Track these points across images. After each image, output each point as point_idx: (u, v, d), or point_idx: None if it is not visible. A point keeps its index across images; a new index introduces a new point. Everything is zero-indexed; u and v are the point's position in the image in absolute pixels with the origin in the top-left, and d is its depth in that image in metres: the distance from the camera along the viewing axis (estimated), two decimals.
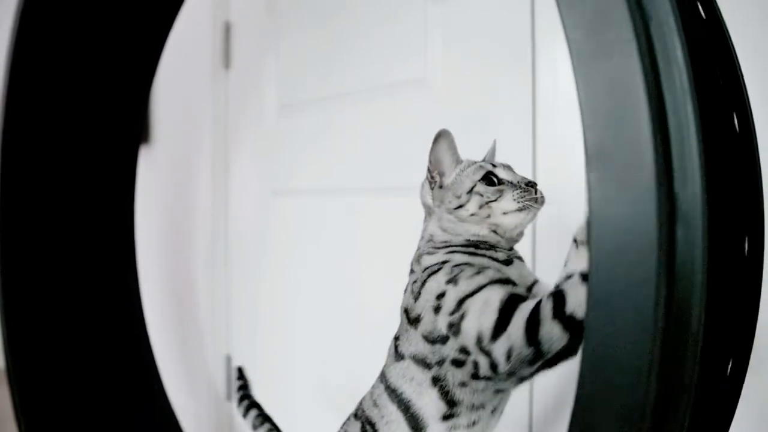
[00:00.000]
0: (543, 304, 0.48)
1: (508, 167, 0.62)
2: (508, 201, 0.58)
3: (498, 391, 0.56)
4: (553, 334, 0.47)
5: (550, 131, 0.90)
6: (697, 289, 0.36)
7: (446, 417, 0.56)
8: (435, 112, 1.05)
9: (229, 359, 1.53)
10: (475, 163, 0.62)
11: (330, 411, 1.20)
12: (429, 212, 0.64)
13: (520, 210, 0.58)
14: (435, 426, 0.56)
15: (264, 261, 1.45)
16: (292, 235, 1.36)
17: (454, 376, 0.55)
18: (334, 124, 1.25)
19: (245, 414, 0.82)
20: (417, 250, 0.63)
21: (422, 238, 0.64)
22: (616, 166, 0.36)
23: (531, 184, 0.59)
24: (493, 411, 0.58)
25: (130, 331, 1.21)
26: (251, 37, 1.47)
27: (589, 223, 0.38)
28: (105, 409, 1.12)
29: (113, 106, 1.16)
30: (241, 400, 0.83)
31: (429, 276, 0.57)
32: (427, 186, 0.64)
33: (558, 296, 0.48)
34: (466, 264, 0.56)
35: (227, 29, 1.51)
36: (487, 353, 0.51)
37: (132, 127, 1.23)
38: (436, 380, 0.56)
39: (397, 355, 0.59)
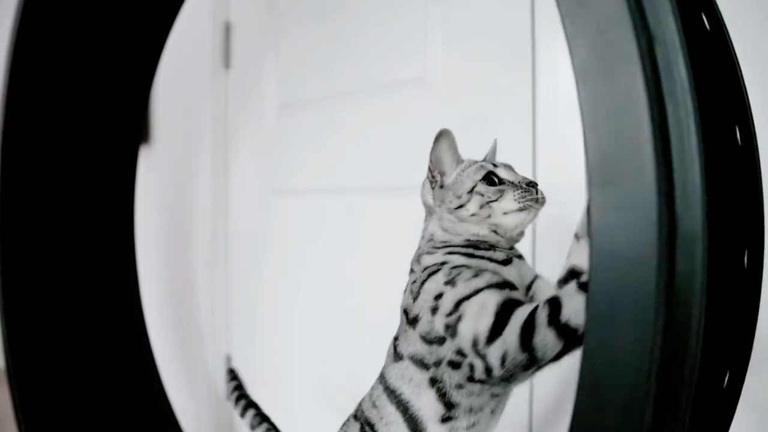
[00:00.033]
0: (539, 310, 0.48)
1: (509, 167, 0.62)
2: (509, 201, 0.58)
3: (495, 395, 0.56)
4: (547, 341, 0.47)
5: (550, 131, 0.90)
6: (697, 289, 0.36)
7: (444, 419, 0.56)
8: (435, 112, 1.05)
9: (229, 359, 1.53)
10: (476, 162, 0.62)
11: (330, 411, 1.20)
12: (429, 212, 0.64)
13: (520, 210, 0.58)
14: (434, 428, 0.56)
15: (264, 261, 1.44)
16: (292, 235, 1.36)
17: (450, 377, 0.55)
18: (334, 123, 1.25)
19: (243, 414, 0.81)
20: (417, 249, 0.63)
21: (422, 237, 0.64)
22: (617, 179, 0.36)
23: (532, 184, 0.59)
24: (493, 412, 0.57)
25: (130, 332, 1.21)
26: (251, 36, 1.46)
27: (588, 215, 0.38)
28: (105, 409, 1.12)
29: (113, 106, 1.16)
30: (237, 400, 0.83)
31: (428, 276, 0.57)
32: (427, 185, 0.64)
33: (554, 303, 0.48)
34: (464, 266, 0.56)
35: (227, 29, 1.51)
36: (483, 357, 0.51)
37: (132, 126, 1.23)
38: (433, 381, 0.56)
39: (396, 355, 0.59)
